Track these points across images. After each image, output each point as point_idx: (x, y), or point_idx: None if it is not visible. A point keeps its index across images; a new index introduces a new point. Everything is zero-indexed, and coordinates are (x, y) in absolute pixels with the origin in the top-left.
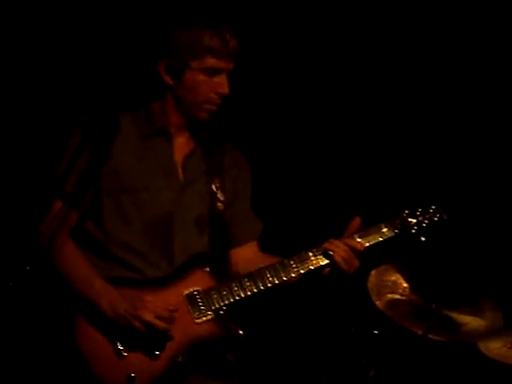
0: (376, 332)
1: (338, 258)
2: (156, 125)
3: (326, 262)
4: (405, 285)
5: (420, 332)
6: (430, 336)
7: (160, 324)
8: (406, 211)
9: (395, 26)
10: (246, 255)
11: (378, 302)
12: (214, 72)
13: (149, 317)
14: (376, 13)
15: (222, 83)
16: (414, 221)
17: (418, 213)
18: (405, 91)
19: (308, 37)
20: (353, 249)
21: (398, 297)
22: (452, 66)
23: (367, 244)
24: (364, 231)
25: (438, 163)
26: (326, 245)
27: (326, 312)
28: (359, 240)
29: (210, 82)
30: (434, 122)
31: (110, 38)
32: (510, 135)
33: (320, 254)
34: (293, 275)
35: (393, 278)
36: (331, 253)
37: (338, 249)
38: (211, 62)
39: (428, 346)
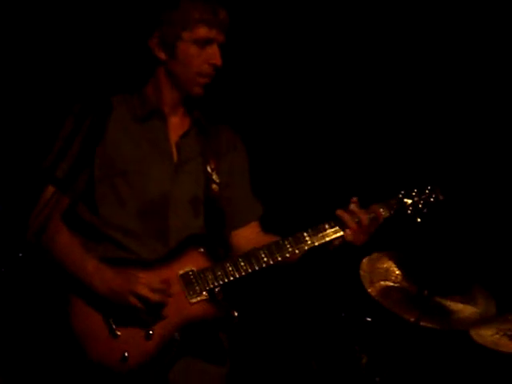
0: (368, 319)
1: (351, 224)
2: (149, 106)
3: (321, 241)
4: (397, 272)
5: (412, 319)
6: (422, 323)
7: (155, 297)
8: (402, 192)
9: (394, 23)
10: (248, 236)
11: (370, 290)
12: (205, 42)
13: (143, 290)
14: (376, 11)
15: (214, 54)
16: (410, 201)
17: (414, 193)
18: (398, 79)
19: (303, 24)
20: (374, 218)
21: (390, 284)
22: (447, 60)
23: None
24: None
25: (435, 146)
26: (340, 211)
27: (319, 300)
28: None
29: (203, 53)
30: (432, 105)
31: (99, 21)
32: (505, 126)
33: (315, 235)
34: (287, 255)
35: (385, 266)
36: (343, 220)
37: (357, 213)
38: (203, 31)
39: (420, 333)
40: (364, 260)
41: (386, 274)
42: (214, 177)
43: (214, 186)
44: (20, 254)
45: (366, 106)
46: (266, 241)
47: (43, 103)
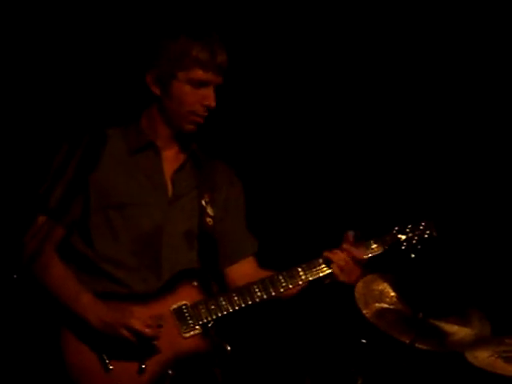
0: (364, 341)
1: (336, 269)
2: (144, 139)
3: (315, 277)
4: (392, 294)
5: (407, 341)
6: (417, 345)
7: (148, 331)
8: (396, 227)
9: (395, 25)
10: (245, 271)
11: (365, 311)
12: (200, 84)
13: (137, 324)
14: (375, 12)
15: (208, 96)
16: (404, 237)
17: (408, 229)
18: (393, 103)
19: (299, 46)
20: (353, 258)
21: (385, 306)
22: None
23: None
24: (354, 247)
25: (429, 178)
26: (327, 253)
27: (313, 323)
28: None
29: (197, 94)
30: (427, 136)
31: (98, 50)
32: (499, 153)
33: (309, 270)
34: (281, 290)
35: (380, 288)
36: (331, 262)
37: (338, 257)
38: (198, 73)
39: (415, 355)
40: (359, 282)
41: (381, 296)
42: (209, 210)
43: (209, 219)
44: (15, 276)
45: (358, 142)
46: (263, 276)
47: (41, 130)
